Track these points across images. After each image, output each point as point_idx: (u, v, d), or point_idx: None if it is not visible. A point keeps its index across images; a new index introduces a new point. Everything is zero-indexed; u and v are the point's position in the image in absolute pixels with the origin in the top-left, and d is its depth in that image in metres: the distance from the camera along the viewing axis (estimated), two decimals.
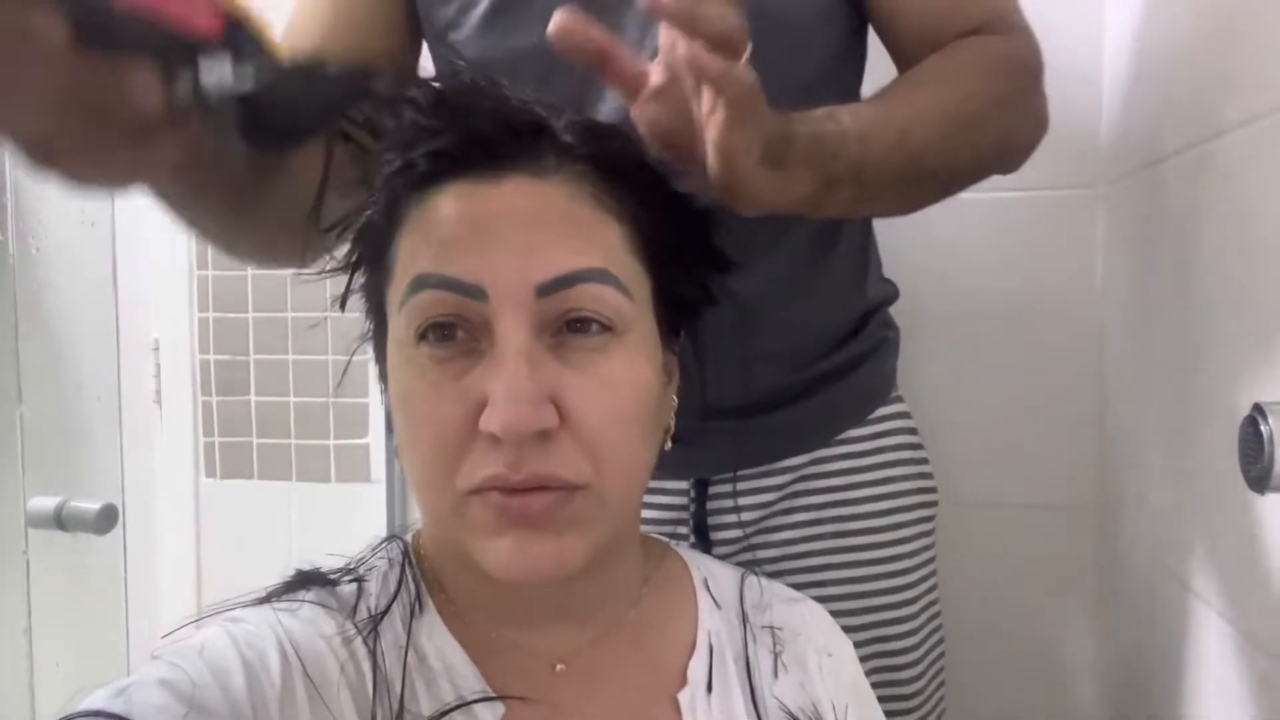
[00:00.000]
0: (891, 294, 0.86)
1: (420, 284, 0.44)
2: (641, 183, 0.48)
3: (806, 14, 0.71)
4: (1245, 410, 0.54)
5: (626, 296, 0.46)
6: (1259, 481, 0.53)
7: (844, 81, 0.77)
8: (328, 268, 0.53)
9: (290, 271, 1.23)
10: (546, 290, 0.43)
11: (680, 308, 0.52)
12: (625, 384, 0.46)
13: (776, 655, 0.56)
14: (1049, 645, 1.06)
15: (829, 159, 0.54)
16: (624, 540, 0.52)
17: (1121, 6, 0.97)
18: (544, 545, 0.44)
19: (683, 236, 0.50)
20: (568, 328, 0.45)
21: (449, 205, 0.45)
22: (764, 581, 0.60)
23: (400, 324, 0.46)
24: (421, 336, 0.45)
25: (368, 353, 0.52)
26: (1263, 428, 0.52)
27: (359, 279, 0.51)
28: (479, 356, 0.44)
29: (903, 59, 0.72)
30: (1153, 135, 0.70)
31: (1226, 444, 0.58)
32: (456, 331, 0.45)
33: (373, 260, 0.50)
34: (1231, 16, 0.68)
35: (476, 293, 0.43)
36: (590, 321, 0.45)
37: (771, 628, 0.57)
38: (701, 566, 0.59)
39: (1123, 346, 0.96)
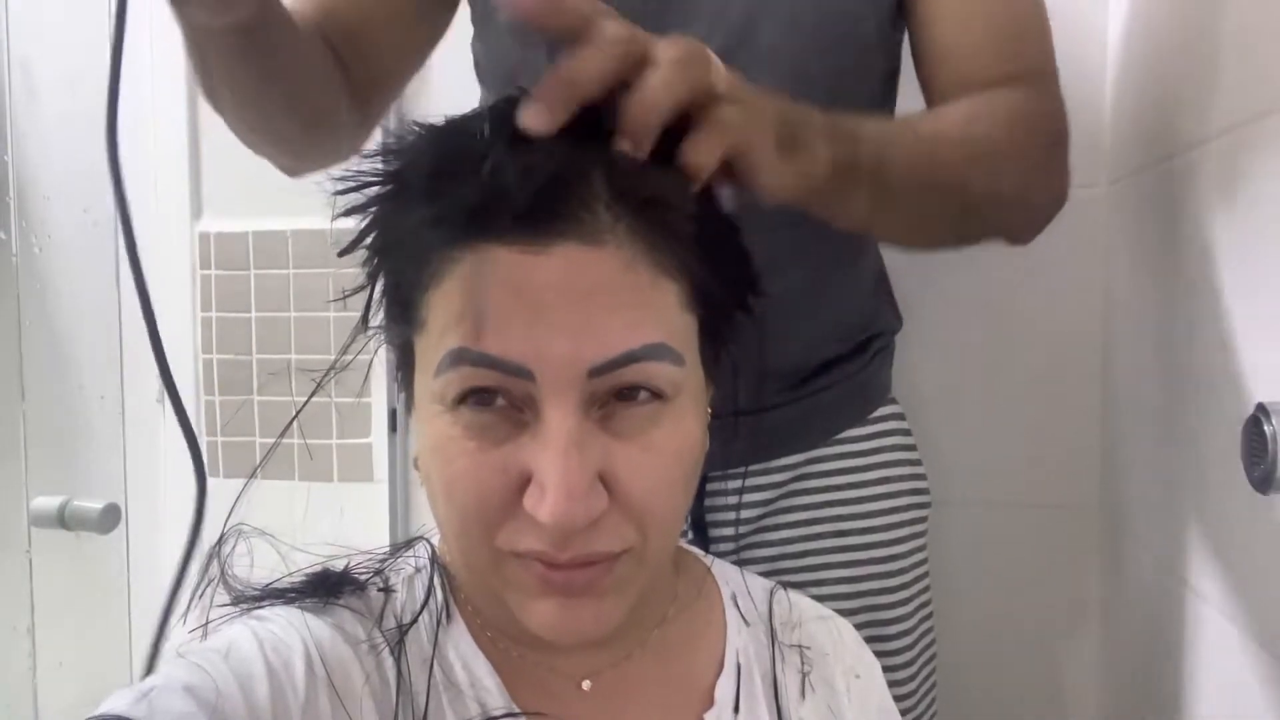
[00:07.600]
0: (895, 327, 0.87)
1: (459, 359, 0.41)
2: (698, 229, 0.44)
3: (849, 56, 0.71)
4: (1249, 410, 0.54)
5: (680, 365, 0.43)
6: (1263, 482, 0.53)
7: None
8: (348, 292, 0.49)
9: (292, 270, 1.24)
10: (600, 372, 0.41)
11: (723, 337, 0.49)
12: (673, 450, 0.44)
13: (804, 675, 0.55)
14: (1050, 645, 1.05)
15: (849, 139, 0.53)
16: (658, 574, 0.51)
17: (1126, 3, 0.97)
18: (586, 610, 0.43)
19: (733, 274, 0.47)
20: (616, 397, 0.42)
21: (491, 273, 0.40)
22: (793, 597, 0.59)
23: (435, 385, 0.43)
24: (460, 400, 0.42)
25: (369, 353, 0.51)
26: (1266, 428, 0.52)
27: (380, 307, 0.48)
28: (523, 426, 0.42)
29: (934, 100, 0.72)
30: (1157, 133, 0.70)
31: (1230, 444, 0.58)
32: (496, 399, 0.42)
33: (400, 305, 0.46)
34: (1235, 13, 0.68)
35: (522, 373, 0.40)
36: (640, 389, 0.42)
37: (800, 646, 0.56)
38: (731, 581, 0.58)
39: (1127, 344, 0.95)
